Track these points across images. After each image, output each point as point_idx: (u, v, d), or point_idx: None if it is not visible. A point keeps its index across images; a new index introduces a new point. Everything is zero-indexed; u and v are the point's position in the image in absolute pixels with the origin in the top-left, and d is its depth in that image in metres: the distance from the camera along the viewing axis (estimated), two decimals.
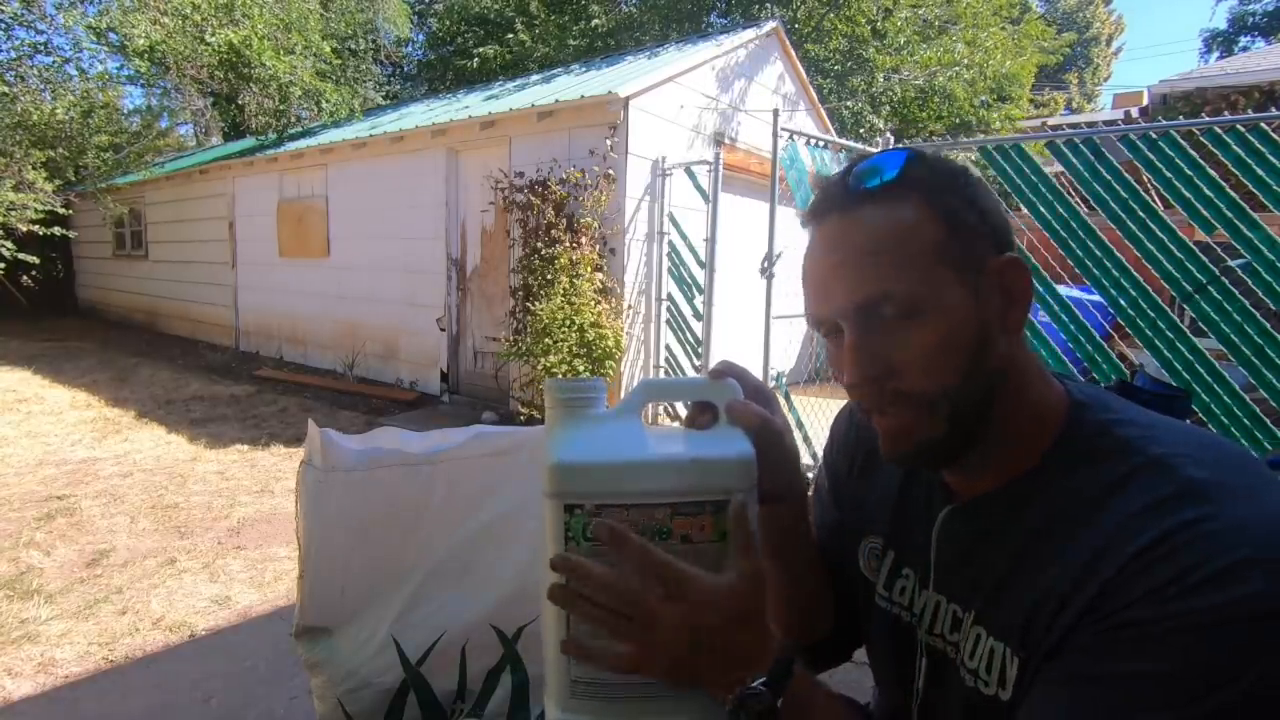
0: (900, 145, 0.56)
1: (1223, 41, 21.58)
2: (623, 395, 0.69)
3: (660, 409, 4.77)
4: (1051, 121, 13.79)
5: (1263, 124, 2.87)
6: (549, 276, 4.74)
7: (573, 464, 0.55)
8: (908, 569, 0.69)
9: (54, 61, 8.43)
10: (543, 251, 4.83)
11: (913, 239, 0.54)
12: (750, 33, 6.37)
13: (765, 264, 3.68)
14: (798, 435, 4.08)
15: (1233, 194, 2.90)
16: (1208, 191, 2.93)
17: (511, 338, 5.03)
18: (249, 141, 10.34)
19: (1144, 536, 0.47)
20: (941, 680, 0.63)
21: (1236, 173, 2.91)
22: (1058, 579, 0.51)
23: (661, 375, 5.29)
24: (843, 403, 0.84)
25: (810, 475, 0.76)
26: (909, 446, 0.58)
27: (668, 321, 5.30)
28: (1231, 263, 3.00)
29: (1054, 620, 0.50)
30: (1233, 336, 2.87)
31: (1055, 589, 0.51)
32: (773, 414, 0.64)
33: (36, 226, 8.06)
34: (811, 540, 0.78)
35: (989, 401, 0.56)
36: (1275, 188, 2.82)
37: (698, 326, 4.87)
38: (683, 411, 0.71)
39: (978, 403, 0.56)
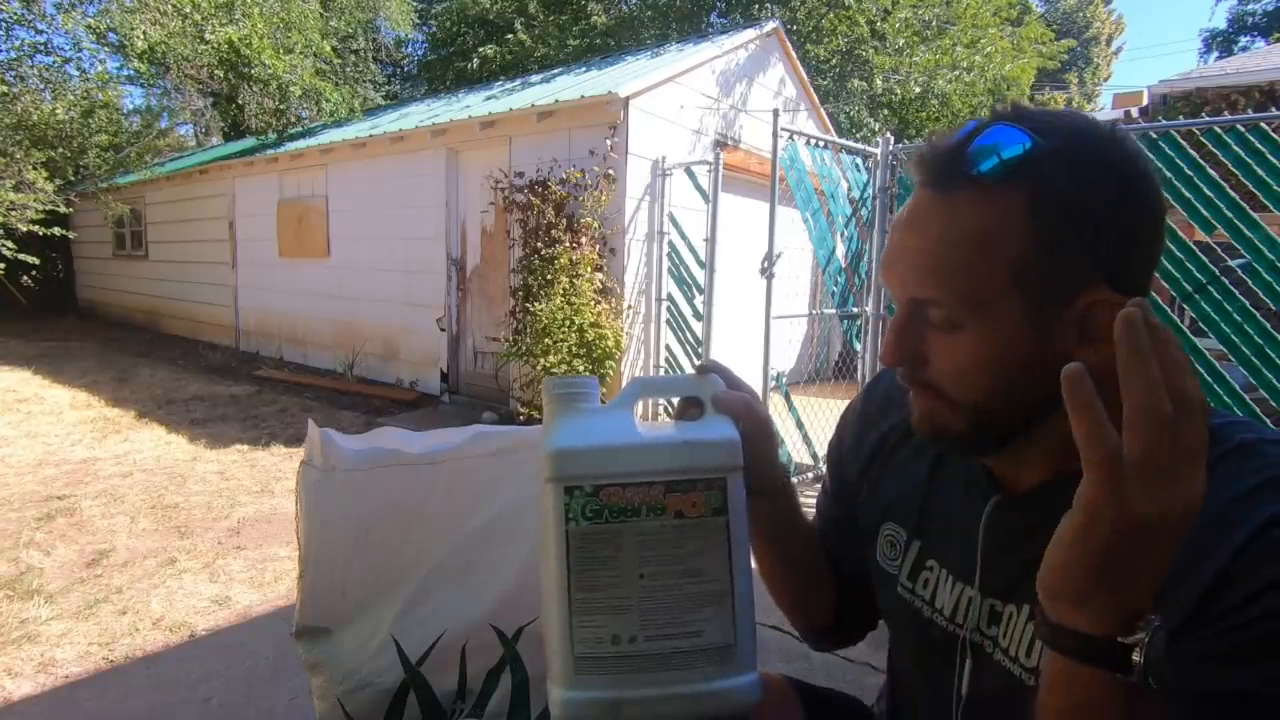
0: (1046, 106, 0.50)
1: (1223, 41, 21.61)
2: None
3: (660, 407, 4.77)
4: None
5: (1263, 124, 2.87)
6: (549, 276, 4.74)
7: (571, 449, 0.58)
8: (933, 561, 0.67)
9: (54, 61, 8.43)
10: (543, 251, 4.83)
11: (990, 251, 0.50)
12: (751, 33, 6.37)
13: (765, 264, 3.67)
14: (798, 435, 4.12)
15: (1233, 194, 2.90)
16: (1208, 191, 2.93)
17: (511, 338, 5.04)
18: (249, 141, 10.34)
19: (1242, 530, 0.44)
20: (981, 677, 0.62)
21: (1236, 173, 2.91)
22: None
23: (662, 375, 5.30)
24: (844, 403, 0.84)
25: (808, 476, 0.77)
26: (929, 430, 0.58)
27: (668, 321, 5.30)
28: (1231, 263, 3.00)
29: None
30: (1233, 336, 2.88)
31: None
32: (755, 402, 0.66)
33: (36, 226, 8.05)
34: (804, 525, 0.78)
35: (1026, 418, 0.54)
36: (1275, 188, 2.82)
37: (698, 326, 4.87)
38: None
39: (1007, 417, 0.54)
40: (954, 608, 0.64)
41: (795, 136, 3.86)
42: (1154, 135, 3.09)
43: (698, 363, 0.70)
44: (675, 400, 0.70)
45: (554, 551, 0.57)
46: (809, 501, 0.85)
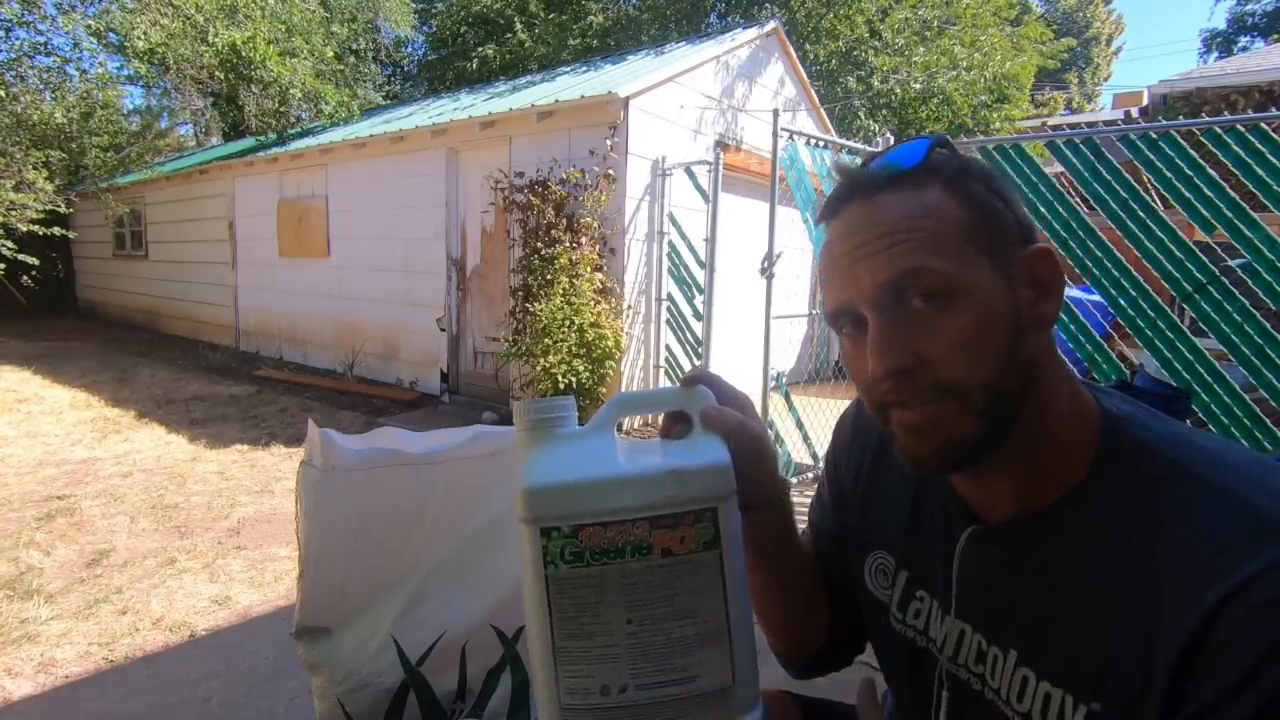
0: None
1: (1222, 42, 21.63)
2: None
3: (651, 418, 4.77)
4: (1051, 121, 13.79)
5: (1263, 124, 2.87)
6: (549, 276, 4.74)
7: (545, 486, 0.54)
8: (923, 591, 0.65)
9: (54, 62, 8.43)
10: (543, 251, 4.83)
11: (940, 218, 0.52)
12: (751, 32, 6.37)
13: (765, 264, 3.67)
14: (797, 435, 4.11)
15: (1233, 194, 2.90)
16: (1208, 191, 2.93)
17: (511, 338, 5.03)
18: (249, 141, 10.34)
19: (1219, 586, 0.43)
20: (966, 712, 0.61)
21: (1236, 173, 2.91)
22: (1128, 631, 0.47)
23: (662, 375, 5.30)
24: (843, 403, 0.83)
25: (808, 476, 0.75)
26: (935, 445, 0.53)
27: (668, 321, 5.30)
28: (1231, 263, 3.00)
29: (1142, 683, 0.46)
30: (1233, 336, 2.87)
31: (1129, 641, 0.47)
32: (748, 418, 0.62)
33: (36, 226, 8.05)
34: (800, 544, 0.75)
35: (1022, 402, 0.53)
36: (1275, 188, 2.82)
37: (698, 326, 4.87)
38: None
39: (1012, 400, 0.52)
40: (943, 640, 0.63)
41: (795, 136, 3.86)
42: (1154, 135, 3.09)
43: (686, 373, 0.64)
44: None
45: (534, 597, 0.54)
46: (809, 503, 0.85)
